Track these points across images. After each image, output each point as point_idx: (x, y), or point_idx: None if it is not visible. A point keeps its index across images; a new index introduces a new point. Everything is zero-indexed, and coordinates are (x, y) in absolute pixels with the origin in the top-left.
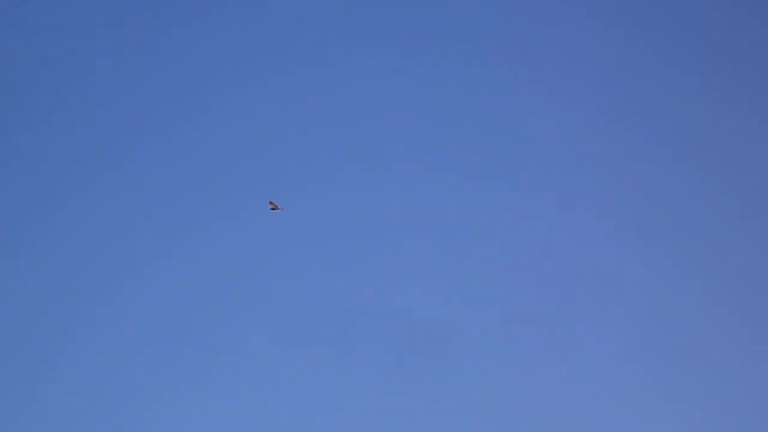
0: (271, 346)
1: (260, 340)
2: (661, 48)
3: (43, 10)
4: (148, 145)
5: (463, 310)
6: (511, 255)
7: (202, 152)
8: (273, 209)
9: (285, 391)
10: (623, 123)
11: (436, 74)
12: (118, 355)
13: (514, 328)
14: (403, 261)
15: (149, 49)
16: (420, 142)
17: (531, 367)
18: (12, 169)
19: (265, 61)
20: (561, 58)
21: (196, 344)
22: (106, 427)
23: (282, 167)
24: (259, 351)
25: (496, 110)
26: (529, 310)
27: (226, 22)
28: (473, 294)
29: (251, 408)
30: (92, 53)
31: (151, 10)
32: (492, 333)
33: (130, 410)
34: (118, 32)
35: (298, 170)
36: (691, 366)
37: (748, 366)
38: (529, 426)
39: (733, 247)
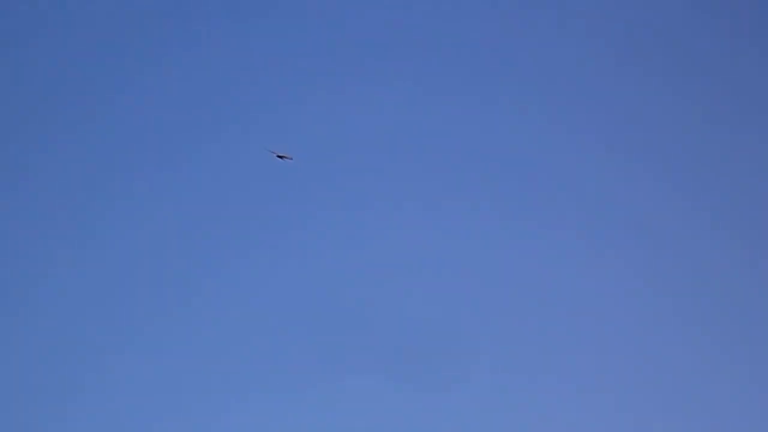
0: (273, 347)
1: (262, 341)
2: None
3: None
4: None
5: (468, 315)
6: (517, 258)
7: (208, 160)
8: (281, 157)
9: (287, 394)
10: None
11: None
12: (120, 360)
13: (519, 333)
14: (406, 264)
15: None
16: (424, 145)
17: (535, 370)
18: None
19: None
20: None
21: (196, 346)
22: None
23: (288, 168)
24: (262, 353)
25: (495, 130)
26: (534, 314)
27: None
28: (479, 298)
29: (253, 410)
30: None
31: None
32: (497, 337)
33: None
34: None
35: (302, 173)
36: (693, 370)
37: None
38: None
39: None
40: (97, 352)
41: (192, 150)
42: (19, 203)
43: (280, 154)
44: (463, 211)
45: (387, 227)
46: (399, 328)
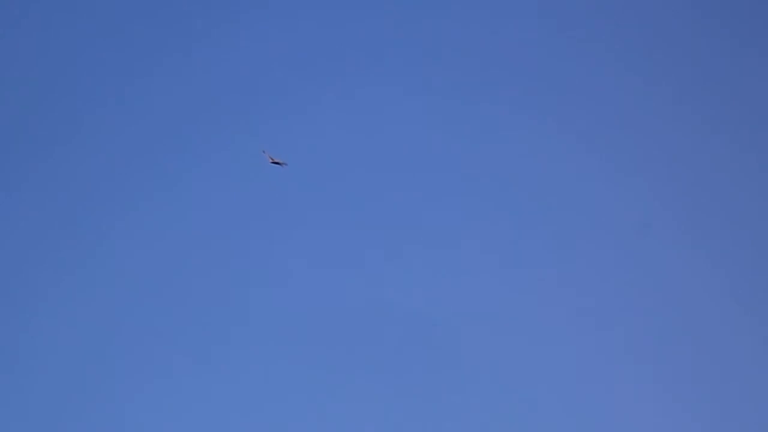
0: (272, 347)
1: (261, 341)
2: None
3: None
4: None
5: (469, 312)
6: (521, 256)
7: (209, 162)
8: (275, 163)
9: (286, 394)
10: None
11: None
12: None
13: (521, 331)
14: (408, 262)
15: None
16: (426, 142)
17: (537, 369)
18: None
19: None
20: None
21: (193, 345)
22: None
23: (287, 171)
24: (260, 352)
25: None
26: (536, 312)
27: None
28: (480, 295)
29: (252, 410)
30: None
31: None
32: (499, 335)
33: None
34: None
35: (301, 176)
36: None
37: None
38: (533, 429)
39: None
40: None
41: (193, 152)
42: None
43: (275, 160)
44: (465, 211)
45: (386, 224)
46: (399, 328)
